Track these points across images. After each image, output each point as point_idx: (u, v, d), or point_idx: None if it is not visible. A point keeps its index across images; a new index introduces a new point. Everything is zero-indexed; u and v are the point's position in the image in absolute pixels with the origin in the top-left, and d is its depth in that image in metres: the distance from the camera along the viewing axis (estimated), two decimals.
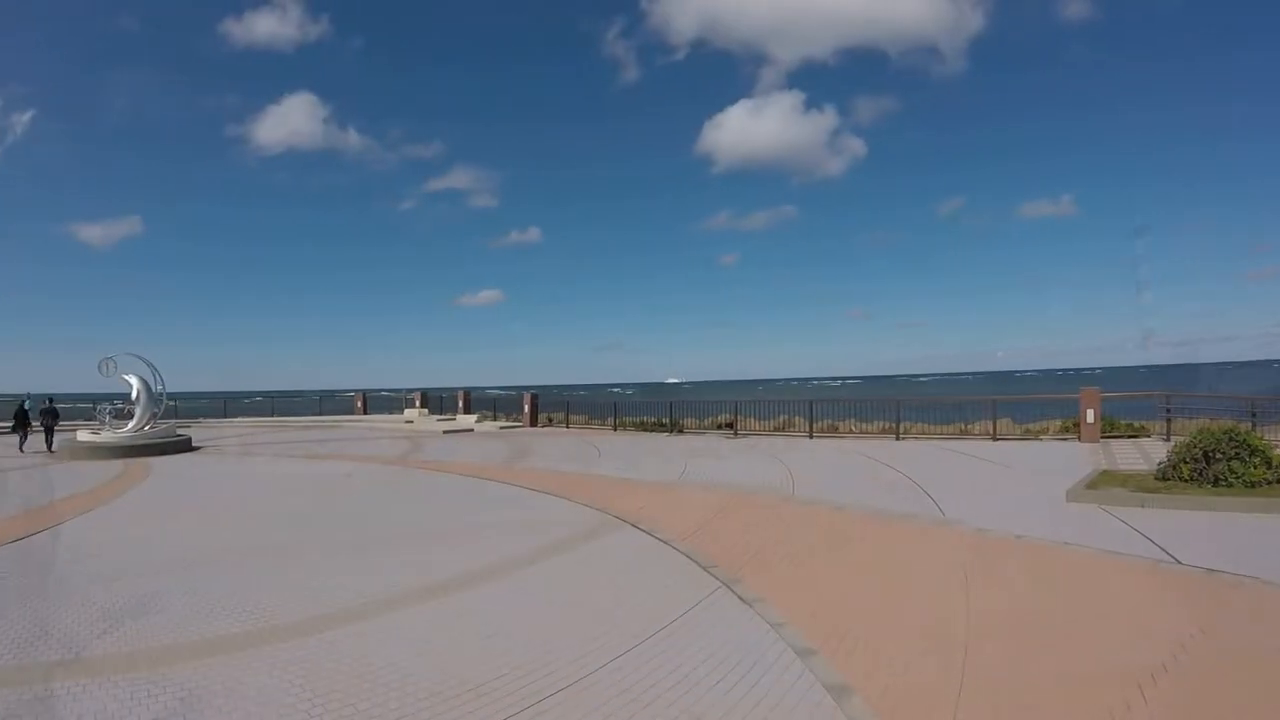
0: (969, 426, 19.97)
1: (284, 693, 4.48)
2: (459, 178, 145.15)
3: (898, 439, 19.26)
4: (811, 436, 20.66)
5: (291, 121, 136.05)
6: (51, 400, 22.44)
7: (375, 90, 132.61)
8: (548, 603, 6.24)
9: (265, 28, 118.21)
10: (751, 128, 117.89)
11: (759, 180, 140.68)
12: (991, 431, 18.72)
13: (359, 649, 5.22)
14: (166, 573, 7.49)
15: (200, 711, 4.24)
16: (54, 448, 20.20)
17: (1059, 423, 19.37)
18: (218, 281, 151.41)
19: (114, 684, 4.61)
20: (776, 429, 22.59)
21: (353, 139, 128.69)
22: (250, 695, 4.45)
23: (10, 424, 22.80)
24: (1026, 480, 12.16)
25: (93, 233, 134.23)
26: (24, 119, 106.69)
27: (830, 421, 21.98)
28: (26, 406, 22.11)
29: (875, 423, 21.35)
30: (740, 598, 6.11)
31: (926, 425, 20.68)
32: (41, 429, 21.11)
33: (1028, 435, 19.21)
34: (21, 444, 20.69)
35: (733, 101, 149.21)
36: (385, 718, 4.14)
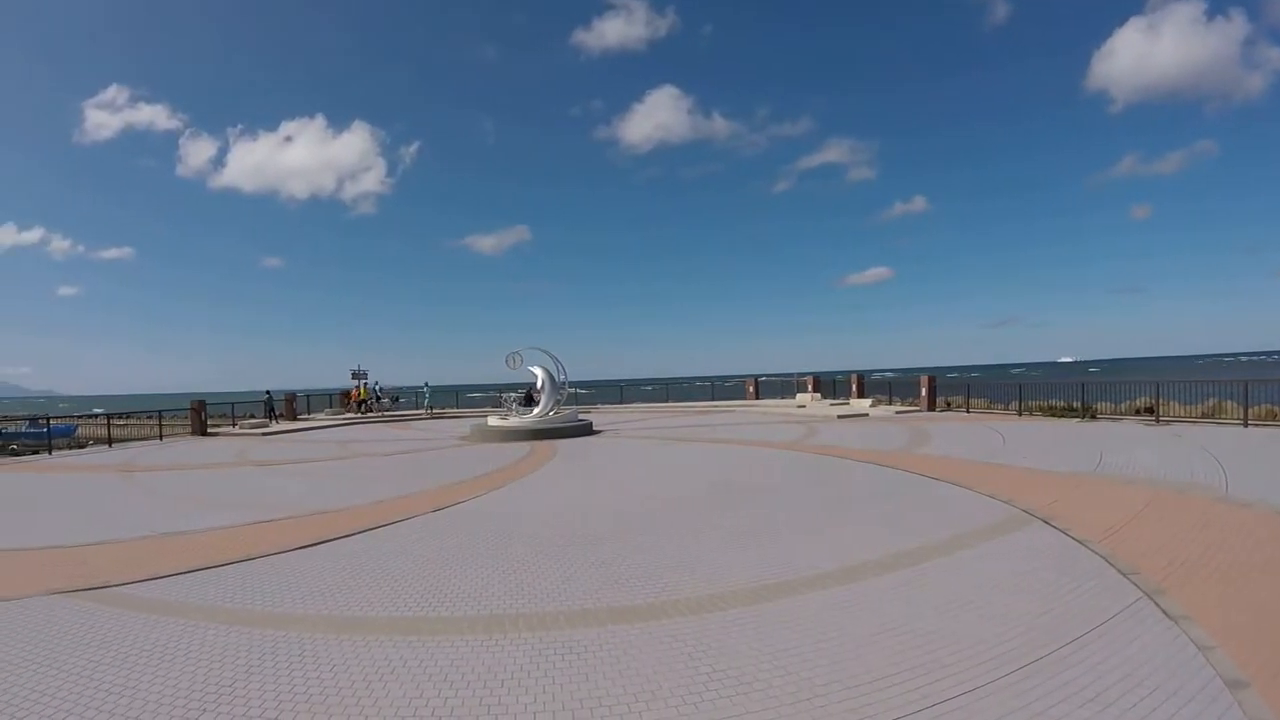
0: None
1: (682, 664, 4.97)
2: (832, 152, 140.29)
3: None
4: (1245, 424, 17.76)
5: (656, 116, 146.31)
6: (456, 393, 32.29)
7: (735, 73, 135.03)
8: (947, 600, 6.07)
9: (615, 32, 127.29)
10: (1148, 51, 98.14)
11: (1166, 114, 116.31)
12: None
13: (756, 631, 5.55)
14: (577, 545, 8.50)
15: (598, 669, 4.90)
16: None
17: None
18: (606, 273, 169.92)
19: (509, 642, 5.51)
20: (1204, 415, 19.90)
21: (719, 125, 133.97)
22: (648, 663, 4.94)
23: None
24: None
25: (486, 243, 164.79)
26: (411, 150, 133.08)
27: (1269, 406, 18.73)
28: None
29: None
30: (1165, 612, 5.48)
31: None
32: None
33: None
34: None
35: (1121, 23, 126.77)
36: (783, 701, 4.39)
